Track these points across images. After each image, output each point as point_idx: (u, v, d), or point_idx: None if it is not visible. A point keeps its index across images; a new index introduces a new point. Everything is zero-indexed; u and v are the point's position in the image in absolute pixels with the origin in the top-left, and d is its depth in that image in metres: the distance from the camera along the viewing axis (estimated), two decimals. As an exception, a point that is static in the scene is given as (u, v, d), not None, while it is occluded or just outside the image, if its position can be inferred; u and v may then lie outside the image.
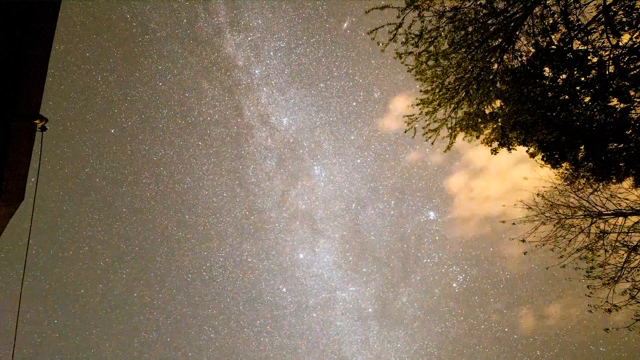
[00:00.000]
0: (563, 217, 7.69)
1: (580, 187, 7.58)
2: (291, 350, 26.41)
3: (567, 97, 6.15)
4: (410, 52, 6.79)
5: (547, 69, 6.34)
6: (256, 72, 25.39)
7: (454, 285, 25.54)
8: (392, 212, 26.91)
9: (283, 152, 26.94)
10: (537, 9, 6.26)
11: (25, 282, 23.97)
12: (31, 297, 24.27)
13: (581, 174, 7.24)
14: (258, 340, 26.44)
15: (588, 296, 6.92)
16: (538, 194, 8.07)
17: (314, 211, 27.41)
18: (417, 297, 26.12)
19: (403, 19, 6.39)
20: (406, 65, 7.01)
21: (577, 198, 7.62)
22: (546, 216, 7.85)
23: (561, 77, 6.24)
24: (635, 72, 5.57)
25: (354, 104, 25.73)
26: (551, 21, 6.20)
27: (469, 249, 25.38)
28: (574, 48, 5.96)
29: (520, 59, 6.77)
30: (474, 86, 7.08)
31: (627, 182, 6.84)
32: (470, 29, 6.43)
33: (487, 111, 7.38)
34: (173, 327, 25.95)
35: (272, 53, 24.70)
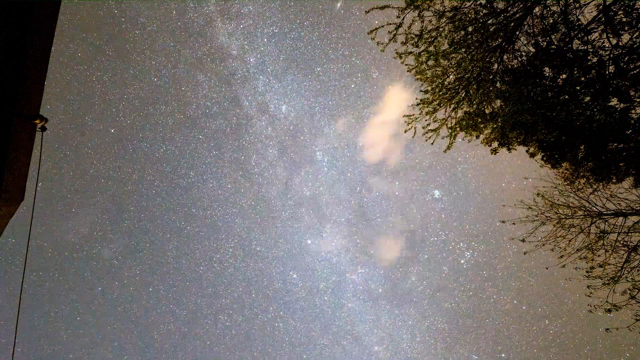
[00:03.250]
0: (563, 217, 7.69)
1: (580, 187, 7.59)
2: (305, 333, 26.70)
3: (567, 97, 6.16)
4: (410, 52, 6.80)
5: (547, 69, 6.34)
6: (251, 60, 24.83)
7: (462, 261, 25.44)
8: (396, 192, 26.87)
9: (284, 140, 26.68)
10: (537, 9, 6.27)
11: (45, 283, 24.36)
12: (52, 297, 24.63)
13: (581, 174, 7.24)
14: (272, 325, 26.74)
15: (588, 296, 6.92)
16: (538, 194, 8.07)
17: (319, 197, 27.26)
18: (425, 275, 26.13)
19: (403, 19, 6.40)
20: (406, 65, 7.02)
21: (577, 198, 7.62)
22: (546, 216, 7.85)
23: (561, 77, 6.25)
24: (635, 72, 5.57)
25: (353, 86, 25.20)
26: (551, 21, 6.20)
27: (475, 225, 25.38)
28: (574, 48, 5.96)
29: (520, 59, 6.78)
30: (474, 86, 7.08)
31: (627, 182, 6.84)
32: (470, 29, 6.43)
33: (487, 111, 7.38)
34: (189, 318, 26.31)
35: (265, 40, 24.11)
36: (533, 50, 6.51)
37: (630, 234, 6.96)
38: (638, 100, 5.77)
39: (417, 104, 7.43)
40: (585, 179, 7.33)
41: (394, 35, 6.55)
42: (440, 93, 7.19)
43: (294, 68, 25.02)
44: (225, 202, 26.64)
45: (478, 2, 6.25)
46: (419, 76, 7.11)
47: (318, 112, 26.06)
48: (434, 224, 26.08)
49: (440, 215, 25.87)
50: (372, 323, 26.25)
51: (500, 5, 6.24)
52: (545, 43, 6.30)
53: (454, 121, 7.53)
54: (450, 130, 7.59)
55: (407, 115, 7.58)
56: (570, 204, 7.68)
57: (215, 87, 24.96)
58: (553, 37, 6.21)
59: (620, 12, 5.40)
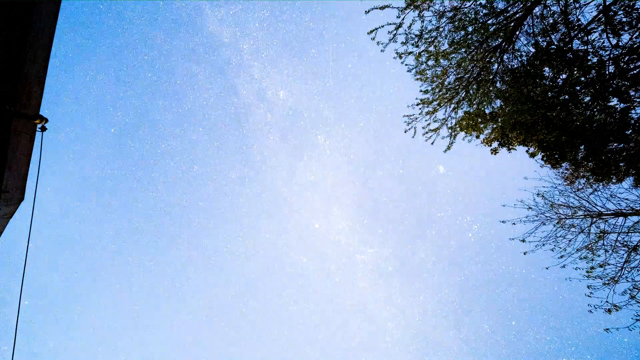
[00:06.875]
0: (563, 217, 7.69)
1: (580, 187, 7.58)
2: (319, 314, 26.82)
3: (567, 97, 6.16)
4: (410, 52, 6.80)
5: (547, 69, 6.34)
6: (244, 47, 24.27)
7: (470, 234, 25.20)
8: (400, 170, 26.53)
9: (284, 126, 26.37)
10: (537, 8, 6.27)
11: (65, 284, 24.57)
12: (76, 296, 24.83)
13: (581, 174, 7.24)
14: (287, 308, 26.90)
15: (588, 296, 6.91)
16: (538, 194, 8.07)
17: (324, 180, 27.06)
18: (434, 250, 26.00)
19: (403, 19, 6.39)
20: (406, 65, 7.02)
21: (577, 198, 7.62)
22: (546, 216, 7.84)
23: (561, 77, 6.25)
24: (635, 72, 5.57)
25: (349, 65, 24.77)
26: (551, 21, 6.20)
27: (481, 198, 24.97)
28: (574, 48, 5.96)
29: (520, 59, 6.78)
30: (474, 86, 7.08)
31: (627, 182, 6.84)
32: (470, 29, 6.43)
33: (487, 111, 7.39)
34: (207, 306, 26.57)
35: (257, 24, 23.48)
36: (533, 50, 6.51)
37: (630, 234, 6.96)
38: (638, 100, 5.77)
39: (417, 104, 7.43)
40: (585, 179, 7.33)
41: (394, 35, 6.55)
42: (440, 93, 7.19)
43: (288, 52, 24.51)
44: (231, 192, 26.68)
45: (478, 2, 6.25)
46: (419, 76, 7.11)
47: (316, 95, 25.77)
48: (440, 199, 25.91)
49: (446, 190, 25.71)
50: (384, 300, 26.21)
51: (500, 5, 6.24)
52: (545, 43, 6.30)
53: (454, 121, 7.53)
54: (450, 130, 7.59)
55: (407, 115, 7.58)
56: (570, 204, 7.68)
57: (210, 77, 24.72)
58: (553, 37, 6.21)
59: (620, 12, 5.40)
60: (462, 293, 25.09)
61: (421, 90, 7.33)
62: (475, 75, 6.95)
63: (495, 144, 7.78)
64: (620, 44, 5.53)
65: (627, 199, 7.06)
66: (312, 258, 27.31)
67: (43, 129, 2.94)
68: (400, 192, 26.71)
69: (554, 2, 6.05)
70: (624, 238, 6.99)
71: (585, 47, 5.83)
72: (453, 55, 6.69)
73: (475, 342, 23.78)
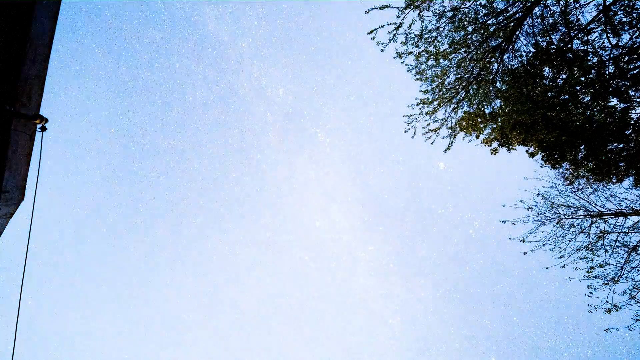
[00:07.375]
0: (563, 217, 7.69)
1: (580, 187, 7.58)
2: (321, 312, 26.84)
3: (567, 97, 6.16)
4: (410, 52, 6.80)
5: (547, 69, 6.34)
6: (243, 45, 24.20)
7: (471, 231, 25.11)
8: (401, 168, 26.40)
9: (284, 124, 26.21)
10: (537, 8, 6.27)
11: (65, 284, 24.64)
12: (76, 296, 24.92)
13: (581, 174, 7.24)
14: (289, 306, 26.95)
15: (588, 296, 6.91)
16: (538, 194, 8.07)
17: (324, 178, 26.94)
18: (435, 247, 25.88)
19: (403, 19, 6.39)
20: (406, 65, 7.02)
21: (577, 198, 7.62)
22: (546, 216, 7.84)
23: (561, 77, 6.25)
24: (635, 72, 5.57)
25: (349, 62, 24.63)
26: (551, 21, 6.20)
27: (481, 193, 24.85)
28: (574, 48, 5.96)
29: (520, 59, 6.78)
30: (474, 86, 7.08)
31: (627, 182, 6.84)
32: (470, 29, 6.43)
33: (487, 111, 7.39)
34: (207, 305, 26.56)
35: (256, 22, 23.43)
36: (533, 50, 6.51)
37: (630, 234, 6.96)
38: (638, 100, 5.77)
39: (417, 104, 7.43)
40: (585, 179, 7.33)
41: (394, 35, 6.55)
42: (440, 93, 7.19)
43: (288, 49, 24.26)
44: (232, 191, 26.67)
45: (478, 2, 6.24)
46: (419, 76, 7.11)
47: (316, 92, 25.57)
48: (440, 196, 25.87)
49: (447, 186, 25.65)
50: (386, 297, 26.09)
51: (500, 5, 6.24)
52: (545, 43, 6.30)
53: (454, 121, 7.53)
54: (450, 130, 7.59)
55: (407, 115, 7.58)
56: (570, 204, 7.67)
57: (209, 76, 24.60)
58: (553, 37, 6.21)
59: (620, 12, 5.40)
60: (463, 289, 25.07)
61: (421, 90, 7.33)
62: (475, 75, 6.95)
63: (495, 144, 7.78)
64: (620, 44, 5.53)
65: (627, 199, 7.06)
66: (313, 256, 27.31)
67: (43, 129, 2.94)
68: (401, 188, 26.69)
69: (554, 2, 6.05)
70: (624, 238, 6.99)
71: (585, 47, 5.83)
72: (453, 55, 6.69)
73: (477, 338, 23.80)
